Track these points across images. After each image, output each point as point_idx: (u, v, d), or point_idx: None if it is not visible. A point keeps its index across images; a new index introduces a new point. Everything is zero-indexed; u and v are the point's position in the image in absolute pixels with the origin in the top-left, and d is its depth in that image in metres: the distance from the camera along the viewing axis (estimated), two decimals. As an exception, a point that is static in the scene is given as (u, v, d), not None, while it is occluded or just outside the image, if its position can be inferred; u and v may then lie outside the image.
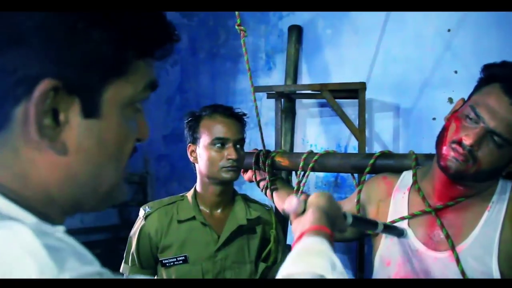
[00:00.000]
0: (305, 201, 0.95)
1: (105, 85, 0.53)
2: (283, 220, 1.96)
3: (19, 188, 0.52)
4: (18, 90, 0.49)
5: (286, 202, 0.96)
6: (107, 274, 0.49)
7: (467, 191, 1.23)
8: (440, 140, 1.21)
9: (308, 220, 0.90)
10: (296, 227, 0.92)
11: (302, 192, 1.72)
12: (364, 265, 1.85)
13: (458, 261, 1.17)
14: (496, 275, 1.13)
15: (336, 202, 1.00)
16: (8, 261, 0.43)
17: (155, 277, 1.58)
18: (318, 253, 0.79)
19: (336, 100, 1.92)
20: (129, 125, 0.58)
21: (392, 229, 1.27)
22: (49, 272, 0.44)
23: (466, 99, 1.22)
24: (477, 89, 1.19)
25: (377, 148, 2.01)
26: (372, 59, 2.02)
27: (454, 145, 1.15)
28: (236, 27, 1.57)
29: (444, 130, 1.20)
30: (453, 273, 1.18)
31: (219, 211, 1.65)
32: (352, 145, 2.04)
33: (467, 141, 1.11)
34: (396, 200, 1.36)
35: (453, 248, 1.19)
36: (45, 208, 0.54)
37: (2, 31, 0.49)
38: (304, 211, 0.94)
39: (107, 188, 0.58)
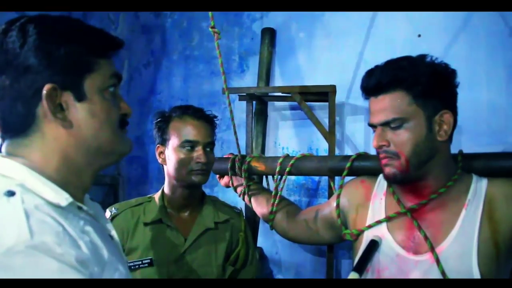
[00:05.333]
0: None
1: (84, 79, 0.83)
2: (253, 223, 1.95)
3: (49, 162, 0.82)
4: (35, 97, 0.79)
5: None
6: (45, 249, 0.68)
7: (432, 185, 1.25)
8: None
9: None
10: None
11: (280, 197, 1.71)
12: (333, 270, 1.85)
13: (438, 262, 1.17)
14: (476, 275, 1.14)
15: None
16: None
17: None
18: None
19: (309, 103, 1.92)
20: (110, 103, 0.87)
21: (369, 251, 1.28)
22: (24, 235, 0.67)
23: None
24: None
25: (348, 151, 2.02)
26: (344, 63, 2.03)
27: (380, 157, 1.27)
28: (210, 29, 1.55)
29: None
30: (434, 276, 1.18)
31: (186, 213, 1.63)
32: (324, 148, 2.04)
33: (373, 144, 1.25)
34: (375, 205, 1.37)
35: (432, 249, 1.20)
36: (72, 176, 0.84)
37: (15, 64, 0.78)
38: None
39: (107, 144, 0.87)
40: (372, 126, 1.26)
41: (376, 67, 1.26)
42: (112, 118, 0.88)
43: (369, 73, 1.27)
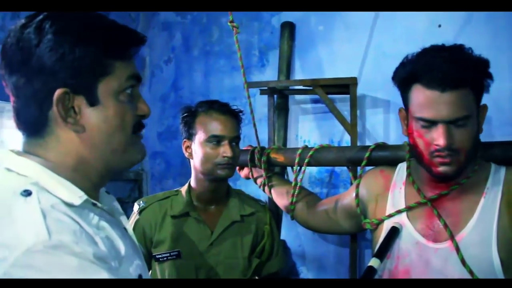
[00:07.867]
0: None
1: (97, 83, 0.81)
2: (276, 216, 1.98)
3: (64, 162, 0.81)
4: (47, 100, 0.77)
5: None
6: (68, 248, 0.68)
7: (458, 178, 1.25)
8: (419, 157, 1.25)
9: None
10: None
11: (300, 188, 1.73)
12: (356, 262, 1.87)
13: (458, 249, 1.19)
14: (496, 262, 1.15)
15: None
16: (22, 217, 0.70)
17: (149, 272, 1.60)
18: None
19: (329, 95, 1.94)
20: (126, 106, 0.84)
21: (390, 238, 1.29)
22: (42, 235, 0.67)
23: (405, 109, 1.28)
24: (405, 98, 1.25)
25: (369, 143, 2.03)
26: (364, 55, 2.04)
27: (435, 154, 1.19)
28: (229, 24, 1.58)
29: (415, 147, 1.25)
30: (454, 263, 1.20)
31: (213, 207, 1.66)
32: (345, 140, 2.05)
33: (441, 143, 1.16)
34: (394, 194, 1.38)
35: (452, 237, 1.21)
36: (86, 175, 0.84)
37: (29, 64, 0.76)
38: None
39: (120, 149, 0.86)
40: (428, 121, 1.18)
41: (434, 57, 1.18)
42: (126, 123, 0.85)
43: (430, 65, 1.18)
